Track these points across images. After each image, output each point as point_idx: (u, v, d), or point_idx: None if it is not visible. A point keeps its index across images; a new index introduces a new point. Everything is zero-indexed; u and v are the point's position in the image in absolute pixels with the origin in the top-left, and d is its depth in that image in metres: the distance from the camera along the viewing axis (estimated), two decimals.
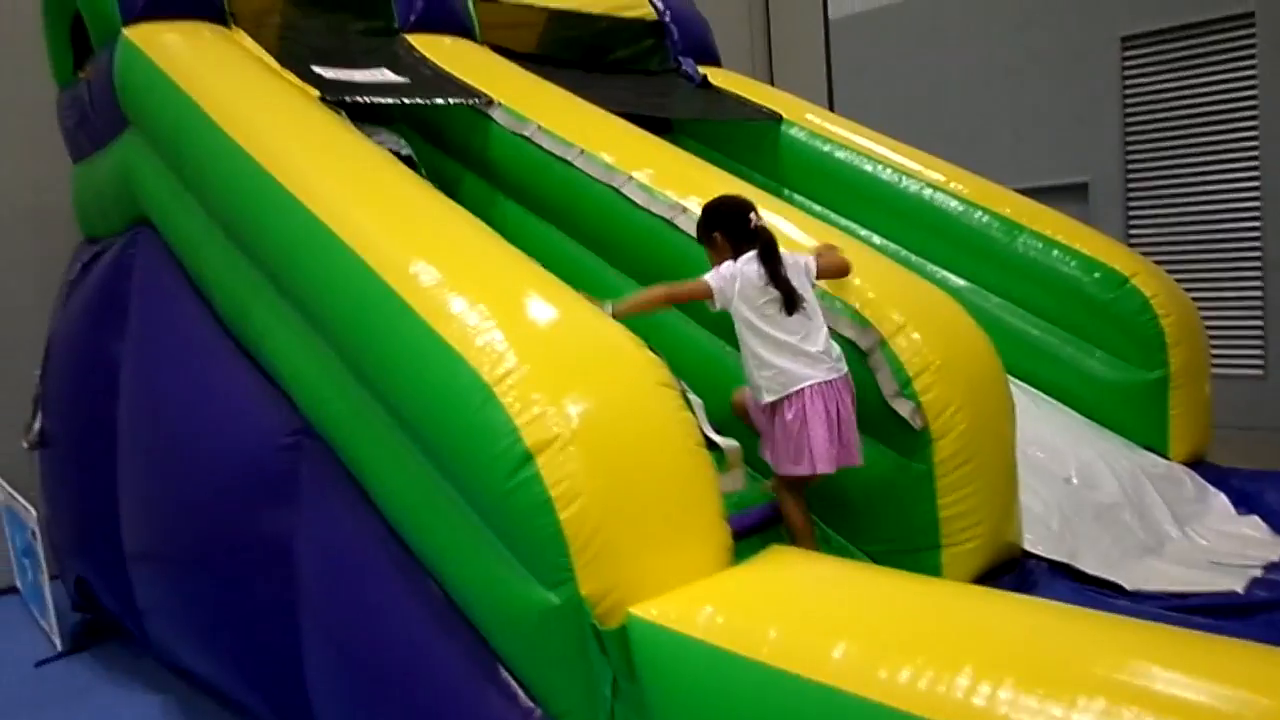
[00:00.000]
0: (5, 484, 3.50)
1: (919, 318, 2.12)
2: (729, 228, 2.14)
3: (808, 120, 3.57)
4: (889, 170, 3.31)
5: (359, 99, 2.68)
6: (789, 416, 1.98)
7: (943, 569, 2.06)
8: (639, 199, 2.48)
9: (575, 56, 3.82)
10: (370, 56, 3.06)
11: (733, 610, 1.41)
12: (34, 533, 3.19)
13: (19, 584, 3.70)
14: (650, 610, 1.46)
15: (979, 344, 2.20)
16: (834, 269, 2.16)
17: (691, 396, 1.73)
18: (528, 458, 1.53)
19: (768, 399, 2.02)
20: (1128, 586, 2.20)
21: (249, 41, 2.90)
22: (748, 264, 2.05)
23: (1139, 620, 1.50)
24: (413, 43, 3.23)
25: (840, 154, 3.43)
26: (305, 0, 3.21)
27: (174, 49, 2.73)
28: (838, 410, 1.97)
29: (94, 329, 2.92)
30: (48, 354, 3.18)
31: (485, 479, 1.58)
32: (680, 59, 3.92)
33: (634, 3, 3.96)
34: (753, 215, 2.12)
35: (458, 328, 1.70)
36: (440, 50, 3.22)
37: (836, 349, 2.04)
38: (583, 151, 2.63)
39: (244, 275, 2.26)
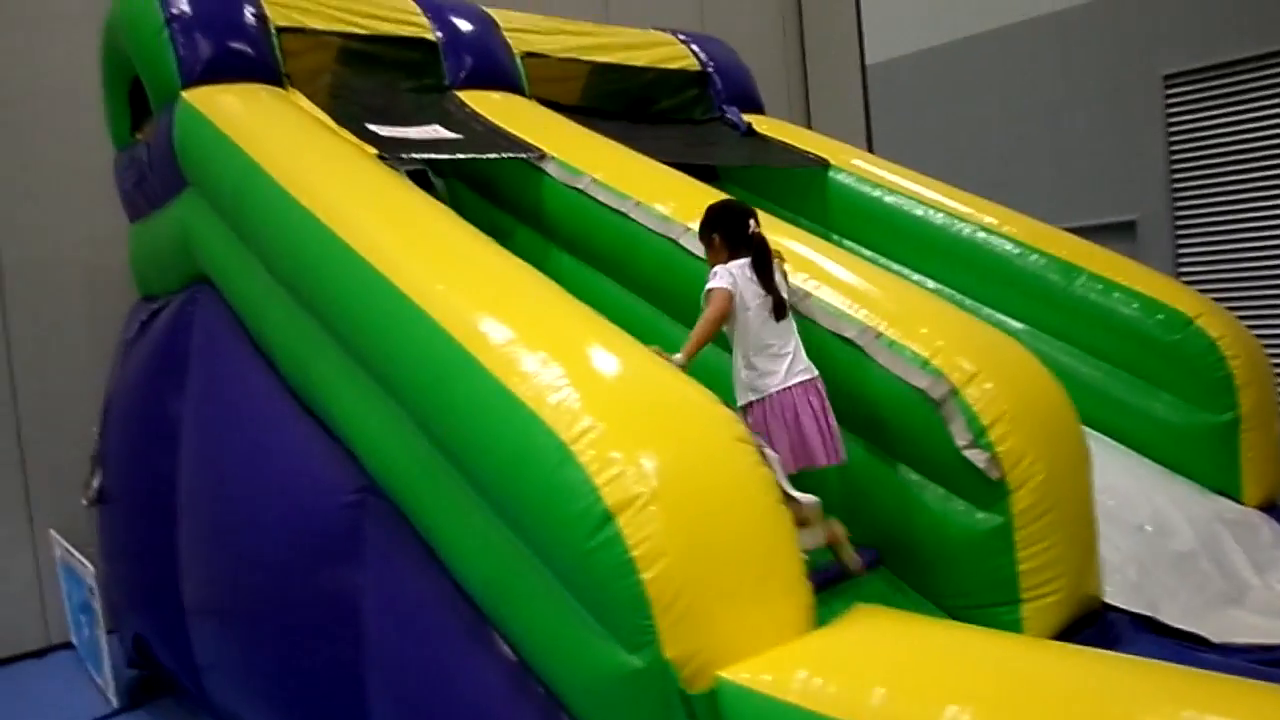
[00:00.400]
0: (63, 541, 3.52)
1: (990, 365, 2.08)
2: (728, 231, 2.28)
3: (854, 165, 3.57)
4: (940, 214, 3.28)
5: (415, 155, 2.70)
6: (777, 414, 2.09)
7: (1023, 624, 2.00)
8: (696, 249, 2.46)
9: (619, 108, 3.85)
10: (423, 113, 3.10)
11: (830, 673, 1.37)
12: (91, 589, 3.20)
13: (74, 640, 3.71)
14: (742, 674, 1.42)
15: (1052, 390, 2.15)
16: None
17: (768, 451, 1.70)
18: (608, 517, 1.50)
19: (751, 398, 2.14)
20: (1213, 639, 2.12)
21: (305, 102, 2.94)
22: (742, 268, 2.19)
23: (1234, 677, 1.43)
24: (463, 99, 3.27)
25: (889, 198, 3.41)
26: (356, 60, 3.25)
27: (233, 110, 2.77)
28: (821, 406, 2.12)
29: (153, 386, 2.94)
30: (106, 411, 3.20)
31: (564, 539, 1.55)
32: (724, 108, 3.94)
33: (677, 54, 4.00)
34: (751, 222, 2.26)
35: (530, 385, 1.68)
36: (490, 105, 3.25)
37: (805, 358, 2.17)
38: (638, 203, 2.63)
39: (307, 333, 2.26)
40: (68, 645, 3.80)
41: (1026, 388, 2.09)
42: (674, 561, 1.48)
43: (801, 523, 1.69)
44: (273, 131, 2.67)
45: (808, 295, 2.29)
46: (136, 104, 3.33)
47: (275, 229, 2.37)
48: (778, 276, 2.21)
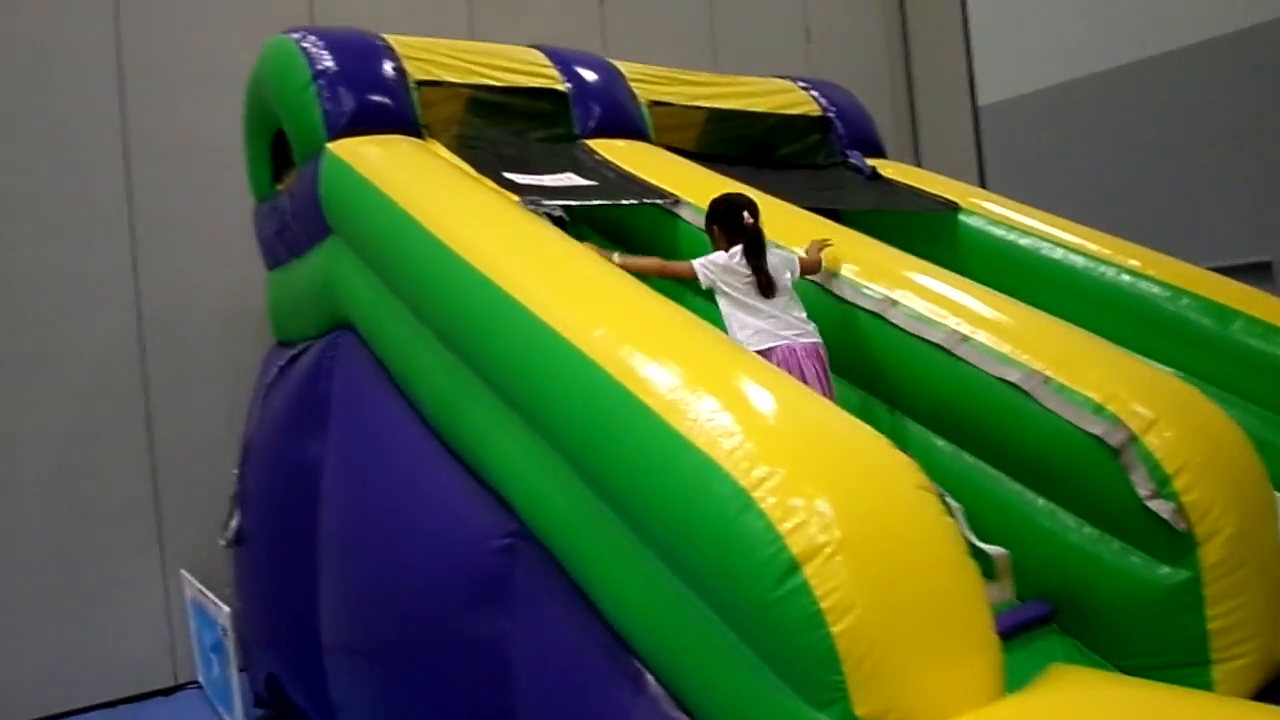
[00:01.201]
0: (194, 581, 3.60)
1: (1169, 411, 1.98)
2: (725, 222, 2.61)
3: (985, 208, 3.49)
4: (1080, 256, 3.17)
5: (552, 202, 2.73)
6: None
7: (1215, 687, 1.87)
8: (844, 293, 2.42)
9: (739, 153, 3.85)
10: (554, 161, 3.15)
11: None
12: (224, 629, 3.25)
13: (202, 679, 3.78)
14: None
15: (1236, 438, 2.04)
16: (810, 268, 2.59)
17: (950, 501, 1.63)
18: (794, 567, 1.45)
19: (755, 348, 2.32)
20: None
21: (444, 150, 3.01)
22: (733, 254, 2.51)
23: None
24: (593, 147, 3.31)
25: (1024, 241, 3.32)
26: (488, 110, 3.33)
27: (378, 159, 2.85)
28: (824, 370, 2.36)
29: (294, 429, 3.01)
30: (245, 454, 3.28)
31: (745, 590, 1.50)
32: (847, 152, 3.91)
33: (798, 100, 4.00)
34: (745, 214, 2.56)
35: (703, 429, 1.65)
36: (619, 152, 3.29)
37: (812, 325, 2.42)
38: (779, 246, 2.60)
39: (456, 377, 2.28)
40: (194, 684, 3.86)
41: (1210, 435, 1.98)
42: (864, 614, 1.42)
43: (987, 575, 1.62)
44: (418, 179, 2.74)
45: (964, 340, 2.22)
46: (277, 156, 3.45)
47: (425, 275, 2.41)
48: (772, 259, 2.49)
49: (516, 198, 2.64)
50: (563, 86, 3.44)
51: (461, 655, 2.16)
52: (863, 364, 2.39)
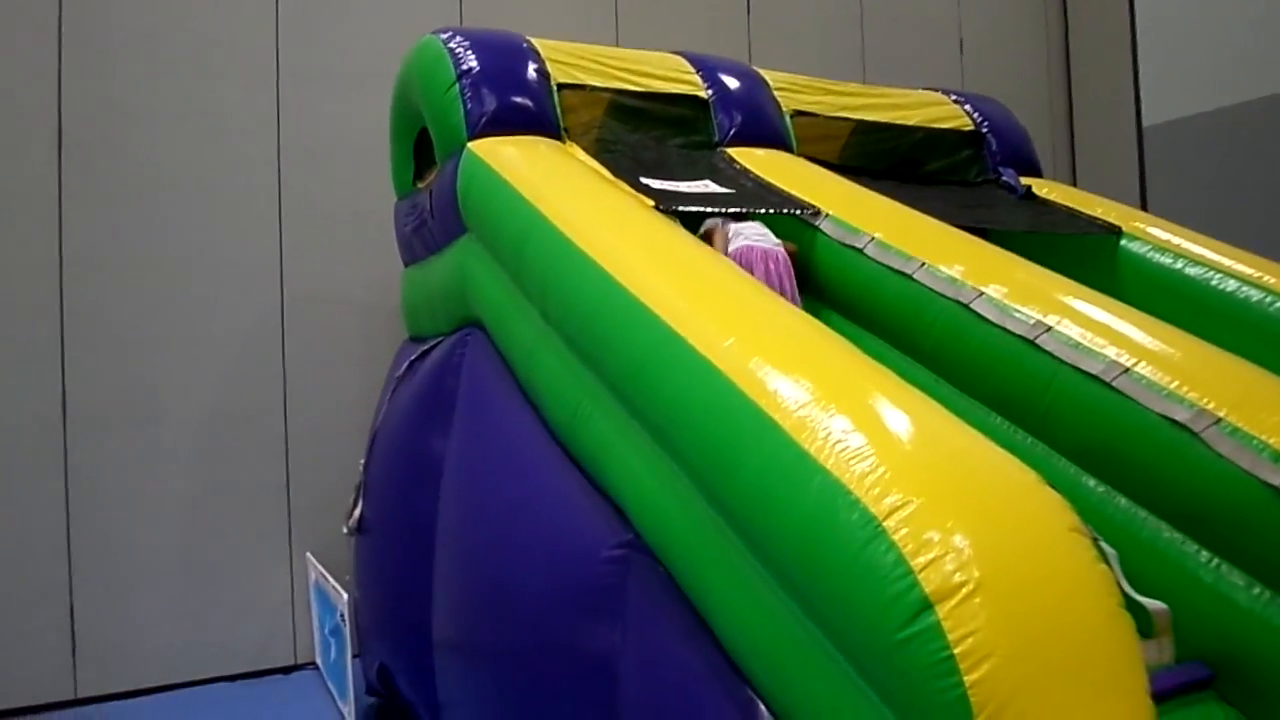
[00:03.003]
0: (318, 565, 3.70)
1: None
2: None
3: (1149, 233, 3.25)
4: (1256, 289, 2.91)
5: (689, 209, 2.68)
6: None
7: None
8: (992, 316, 2.28)
9: (884, 167, 3.72)
10: (692, 168, 3.10)
11: None
12: (343, 615, 3.33)
13: (319, 661, 3.88)
14: None
15: None
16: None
17: (1105, 546, 1.49)
18: (926, 606, 1.34)
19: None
20: None
21: (581, 153, 3.00)
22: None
23: None
24: (732, 155, 3.25)
25: (1191, 269, 3.07)
26: (628, 115, 3.31)
27: (515, 161, 2.86)
28: (789, 274, 2.72)
29: (419, 423, 3.05)
30: (372, 445, 3.35)
31: (870, 626, 1.40)
32: (1000, 169, 3.72)
33: (950, 114, 3.83)
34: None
35: (832, 451, 1.55)
36: (759, 161, 3.21)
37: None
38: (924, 264, 2.48)
39: (581, 383, 2.25)
40: (312, 665, 3.97)
41: None
42: (1002, 664, 1.30)
43: (1143, 632, 1.47)
44: (552, 179, 2.73)
45: (1125, 372, 2.05)
46: (419, 155, 3.53)
47: (554, 275, 2.39)
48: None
49: (652, 202, 2.60)
50: (704, 93, 3.40)
51: (568, 666, 2.12)
52: (1007, 392, 2.25)
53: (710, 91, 3.39)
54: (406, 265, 3.63)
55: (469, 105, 2.99)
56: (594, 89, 3.21)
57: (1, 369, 3.67)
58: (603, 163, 2.93)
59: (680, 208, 2.62)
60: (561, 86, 3.14)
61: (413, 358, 3.28)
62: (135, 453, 3.88)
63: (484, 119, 2.97)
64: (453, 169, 2.97)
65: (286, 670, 4.07)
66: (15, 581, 3.64)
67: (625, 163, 2.98)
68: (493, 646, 2.40)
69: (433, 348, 3.15)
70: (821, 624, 1.51)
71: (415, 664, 2.88)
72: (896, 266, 2.54)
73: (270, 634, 4.09)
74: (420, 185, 3.42)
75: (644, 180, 2.79)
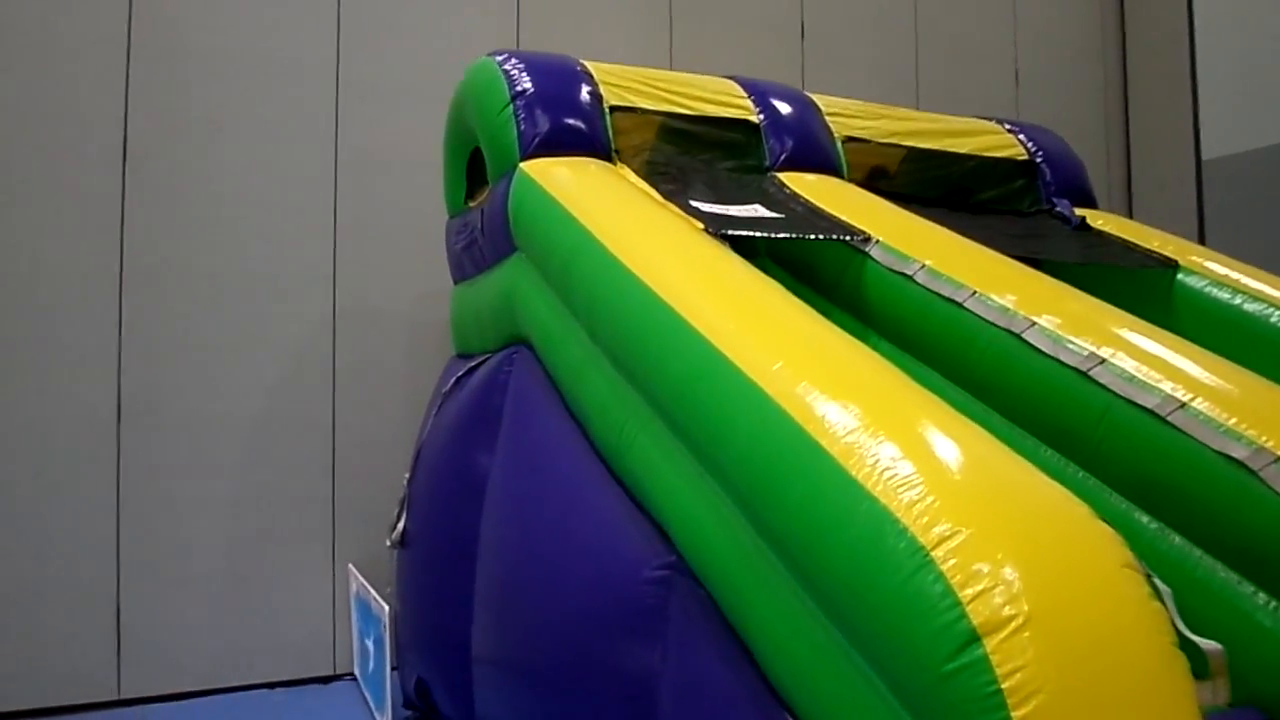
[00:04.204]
0: (360, 577, 3.74)
1: None
2: None
3: (1208, 268, 3.19)
4: None
5: (738, 232, 2.69)
6: None
7: None
8: (1044, 346, 2.25)
9: (936, 195, 3.70)
10: (742, 192, 3.11)
11: None
12: (384, 626, 3.35)
13: (357, 672, 3.91)
14: None
15: None
16: None
17: (1159, 583, 1.46)
18: (974, 638, 1.32)
19: None
20: None
21: (632, 175, 3.03)
22: None
23: None
24: (783, 180, 3.25)
25: (1251, 306, 3.01)
26: (678, 138, 3.34)
27: (566, 181, 2.89)
28: None
29: (464, 439, 3.08)
30: (416, 459, 3.38)
31: (916, 658, 1.39)
32: (1054, 200, 3.68)
33: (1003, 142, 3.81)
34: None
35: (880, 478, 1.54)
36: (810, 186, 3.21)
37: None
38: (975, 293, 2.46)
39: (627, 403, 2.26)
40: (350, 675, 4.01)
41: None
42: (1050, 700, 1.28)
43: (1198, 673, 1.43)
44: (603, 201, 2.76)
45: (1181, 407, 2.01)
46: (471, 174, 3.58)
47: (601, 294, 2.41)
48: None
49: (702, 225, 2.61)
50: (755, 117, 3.41)
51: (608, 686, 2.12)
52: (1059, 424, 2.21)
53: (761, 116, 3.41)
54: (456, 283, 3.68)
55: (522, 126, 3.03)
56: (646, 112, 3.24)
57: (60, 371, 3.76)
58: (653, 185, 2.95)
59: (730, 231, 2.62)
60: (614, 109, 3.17)
61: (460, 374, 3.31)
62: (186, 457, 3.96)
63: (536, 140, 3.01)
64: (504, 188, 3.01)
65: (325, 680, 4.12)
66: (65, 581, 3.73)
67: (675, 185, 3.00)
68: (532, 663, 2.41)
69: (480, 364, 3.18)
70: (865, 653, 1.50)
71: (454, 678, 2.90)
72: (947, 294, 2.52)
73: (311, 643, 4.13)
74: (472, 204, 3.47)
75: (694, 203, 2.81)
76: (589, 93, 3.17)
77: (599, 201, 2.72)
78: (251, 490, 4.06)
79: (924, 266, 2.63)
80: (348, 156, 4.25)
